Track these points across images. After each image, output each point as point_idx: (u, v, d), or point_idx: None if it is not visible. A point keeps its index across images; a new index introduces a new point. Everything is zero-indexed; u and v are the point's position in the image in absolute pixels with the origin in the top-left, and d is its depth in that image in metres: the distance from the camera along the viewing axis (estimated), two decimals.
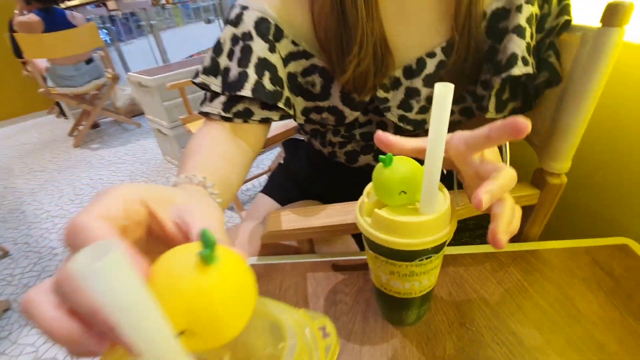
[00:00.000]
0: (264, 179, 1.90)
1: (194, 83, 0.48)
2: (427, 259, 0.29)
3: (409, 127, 0.48)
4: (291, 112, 0.48)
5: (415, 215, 0.28)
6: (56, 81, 2.45)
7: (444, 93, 0.23)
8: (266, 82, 0.44)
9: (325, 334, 0.16)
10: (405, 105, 0.47)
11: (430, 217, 0.27)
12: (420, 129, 0.48)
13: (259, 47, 0.44)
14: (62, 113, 3.46)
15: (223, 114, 0.45)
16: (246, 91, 0.43)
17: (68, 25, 2.34)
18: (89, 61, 2.51)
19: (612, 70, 0.35)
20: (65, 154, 2.56)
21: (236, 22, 0.45)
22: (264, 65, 0.44)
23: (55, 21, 2.31)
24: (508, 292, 0.39)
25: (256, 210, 0.65)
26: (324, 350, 0.15)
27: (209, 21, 2.59)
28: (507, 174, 0.26)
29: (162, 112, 1.84)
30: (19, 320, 1.22)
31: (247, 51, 0.44)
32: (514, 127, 0.25)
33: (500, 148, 0.35)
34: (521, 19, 0.40)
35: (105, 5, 3.38)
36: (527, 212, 0.45)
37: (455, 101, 0.46)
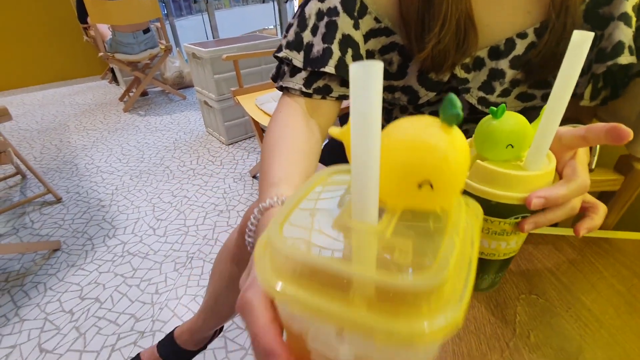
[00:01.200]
0: None
1: (275, 57, 0.49)
2: (523, 217, 0.29)
3: (486, 111, 0.46)
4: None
5: (519, 169, 0.27)
6: (115, 47, 2.58)
7: (580, 41, 0.22)
8: (349, 59, 0.44)
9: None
10: (487, 87, 0.45)
11: (538, 173, 0.27)
12: None
13: (345, 24, 0.44)
14: (114, 79, 3.64)
15: (304, 89, 0.46)
16: (330, 68, 0.44)
17: None
18: (147, 31, 2.62)
19: None
20: (116, 117, 2.70)
21: None
22: (347, 42, 0.44)
23: None
24: (581, 272, 0.38)
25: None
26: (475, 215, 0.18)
27: (263, 1, 2.62)
28: (577, 185, 0.28)
29: (212, 85, 1.90)
30: (67, 260, 1.32)
31: (332, 27, 0.44)
32: (616, 135, 0.26)
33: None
34: (628, 7, 0.39)
35: None
36: (607, 198, 0.43)
37: (539, 85, 0.45)
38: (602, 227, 0.46)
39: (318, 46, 0.45)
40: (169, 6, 3.82)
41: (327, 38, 0.44)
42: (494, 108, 0.27)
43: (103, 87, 3.60)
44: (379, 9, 0.45)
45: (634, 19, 0.39)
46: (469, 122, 0.53)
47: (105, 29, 2.72)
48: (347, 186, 0.19)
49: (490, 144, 0.28)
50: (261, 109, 1.45)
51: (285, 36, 0.48)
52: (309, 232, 0.16)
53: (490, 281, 0.35)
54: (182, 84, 3.25)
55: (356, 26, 0.45)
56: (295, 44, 0.47)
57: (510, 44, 0.43)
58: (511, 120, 0.27)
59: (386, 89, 0.50)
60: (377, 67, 0.12)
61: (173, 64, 3.17)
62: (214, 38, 3.27)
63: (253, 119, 1.42)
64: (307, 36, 0.46)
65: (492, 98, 0.46)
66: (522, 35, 0.43)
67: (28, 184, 1.83)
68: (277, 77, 0.51)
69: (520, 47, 0.43)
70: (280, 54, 0.48)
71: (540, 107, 0.48)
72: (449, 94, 0.15)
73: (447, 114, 0.15)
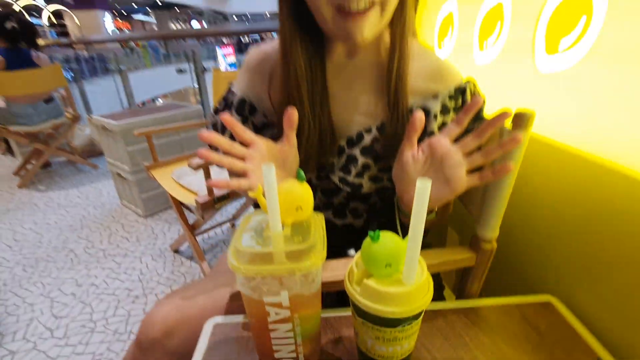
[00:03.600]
0: (226, 227, 1.88)
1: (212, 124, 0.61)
2: (408, 324, 0.33)
3: (347, 189, 0.56)
4: None
5: (399, 285, 0.32)
6: (10, 119, 2.34)
7: (423, 188, 0.28)
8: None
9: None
10: (345, 169, 0.55)
11: (412, 287, 0.31)
12: (357, 191, 0.56)
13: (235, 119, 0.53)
14: (9, 150, 3.25)
15: None
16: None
17: (32, 65, 2.31)
18: (49, 100, 2.44)
19: (523, 158, 0.44)
20: (8, 195, 2.37)
21: (229, 104, 0.58)
22: None
23: (19, 60, 2.27)
24: (452, 346, 0.43)
25: (223, 264, 0.66)
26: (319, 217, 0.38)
27: (180, 71, 2.67)
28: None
29: (125, 157, 1.81)
30: None
31: None
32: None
33: None
34: (434, 127, 0.52)
35: (73, 47, 3.38)
36: (468, 272, 0.51)
37: (384, 170, 0.55)
38: (469, 296, 0.53)
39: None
40: (77, 72, 3.64)
41: (222, 131, 0.58)
42: (372, 232, 0.32)
43: None
44: (265, 109, 0.57)
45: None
46: (354, 199, 0.60)
47: None
48: (265, 218, 0.36)
49: (372, 264, 0.33)
50: (178, 183, 1.42)
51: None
52: (250, 239, 0.33)
53: None
54: (93, 152, 3.03)
55: (244, 121, 0.57)
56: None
57: (360, 136, 0.54)
58: (387, 243, 0.32)
59: None
60: (270, 169, 0.31)
61: (83, 132, 2.97)
62: (128, 103, 3.17)
63: (171, 195, 1.37)
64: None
65: (350, 178, 0.55)
66: (368, 131, 0.54)
67: None
68: None
69: (367, 139, 0.54)
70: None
71: (389, 188, 0.57)
72: (298, 169, 0.36)
73: (299, 178, 0.36)
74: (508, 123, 0.42)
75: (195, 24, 21.15)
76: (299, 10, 0.47)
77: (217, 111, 0.62)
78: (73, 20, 13.05)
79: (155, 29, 21.51)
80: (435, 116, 0.52)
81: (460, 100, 0.53)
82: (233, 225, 1.88)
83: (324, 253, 0.32)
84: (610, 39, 0.44)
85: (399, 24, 0.48)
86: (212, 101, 1.66)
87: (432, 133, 0.51)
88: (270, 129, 0.57)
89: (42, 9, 12.23)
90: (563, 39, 0.48)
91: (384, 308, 0.31)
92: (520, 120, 0.40)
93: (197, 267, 1.54)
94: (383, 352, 0.35)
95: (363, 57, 0.53)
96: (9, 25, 2.22)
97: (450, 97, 0.52)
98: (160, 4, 16.52)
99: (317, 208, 0.62)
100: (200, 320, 0.49)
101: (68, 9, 12.75)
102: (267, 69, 0.55)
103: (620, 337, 0.44)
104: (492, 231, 0.47)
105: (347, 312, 0.49)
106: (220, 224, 1.83)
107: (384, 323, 0.32)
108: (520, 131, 0.41)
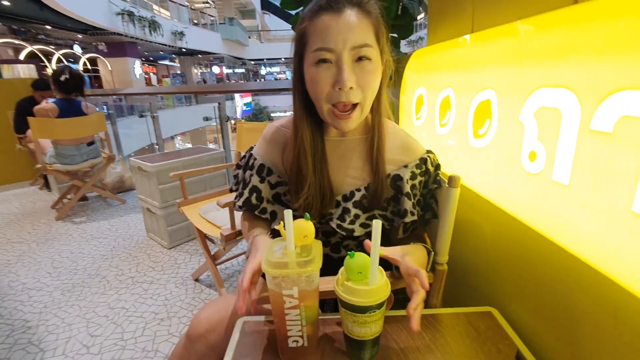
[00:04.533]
0: (241, 258, 2.06)
1: (232, 190, 0.83)
2: (372, 312, 0.51)
3: (343, 233, 0.73)
4: (265, 216, 0.78)
5: (366, 285, 0.51)
6: (55, 158, 2.65)
7: (377, 225, 0.48)
8: (252, 199, 0.76)
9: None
10: (341, 218, 0.73)
11: (374, 287, 0.50)
12: (350, 234, 0.73)
13: (254, 180, 0.76)
14: (46, 185, 3.57)
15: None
16: (239, 202, 0.75)
17: (81, 114, 2.65)
18: (91, 143, 2.77)
19: (462, 204, 0.64)
20: (46, 227, 2.63)
21: (250, 166, 0.79)
22: (253, 189, 0.76)
23: (71, 109, 2.62)
24: (413, 339, 0.60)
25: None
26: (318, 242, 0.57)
27: (207, 119, 3.01)
28: (420, 297, 0.55)
29: (157, 194, 2.06)
30: None
31: (248, 181, 0.77)
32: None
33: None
34: (408, 188, 0.71)
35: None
36: (430, 288, 0.69)
37: (371, 218, 0.74)
38: (431, 306, 0.71)
39: (240, 191, 0.80)
40: (113, 117, 4.05)
41: (243, 186, 0.78)
42: (350, 252, 0.51)
43: (32, 194, 3.49)
44: (279, 172, 0.77)
45: (411, 195, 0.71)
46: (347, 239, 0.79)
47: (46, 142, 2.81)
48: (284, 242, 0.54)
49: (349, 272, 0.52)
50: (205, 218, 1.63)
51: (240, 195, 0.80)
52: (275, 254, 0.53)
53: (369, 355, 0.55)
54: (121, 188, 3.32)
55: (262, 181, 0.76)
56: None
57: (352, 194, 0.73)
58: (359, 259, 0.51)
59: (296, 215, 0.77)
60: (289, 213, 0.52)
61: (114, 170, 3.28)
62: (156, 143, 3.49)
63: (198, 228, 1.58)
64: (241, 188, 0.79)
65: (345, 224, 0.73)
66: (358, 189, 0.73)
67: None
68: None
69: (357, 196, 0.73)
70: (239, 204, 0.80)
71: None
72: (305, 213, 0.57)
73: (306, 218, 0.56)
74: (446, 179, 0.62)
75: (215, 69, 22.64)
76: (307, 101, 0.70)
77: (239, 167, 0.84)
78: (105, 66, 14.24)
79: (179, 72, 23.08)
80: (407, 181, 0.71)
81: (424, 167, 0.73)
82: (247, 257, 2.06)
83: (320, 263, 0.51)
84: (500, 135, 0.66)
85: (377, 113, 0.71)
86: (232, 146, 1.94)
87: (407, 194, 0.70)
88: (282, 185, 0.77)
89: (80, 57, 13.45)
90: (480, 129, 0.70)
91: (356, 299, 0.50)
92: (451, 180, 0.61)
93: (215, 294, 1.71)
94: (358, 332, 0.53)
95: (352, 136, 0.75)
96: (63, 77, 2.60)
97: (416, 166, 0.73)
98: (184, 50, 17.87)
99: None
100: (233, 319, 0.68)
101: (102, 56, 13.98)
102: (282, 140, 0.77)
103: (537, 337, 0.61)
104: (442, 257, 0.66)
105: (339, 315, 0.67)
106: (236, 256, 2.02)
107: (357, 310, 0.51)
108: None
